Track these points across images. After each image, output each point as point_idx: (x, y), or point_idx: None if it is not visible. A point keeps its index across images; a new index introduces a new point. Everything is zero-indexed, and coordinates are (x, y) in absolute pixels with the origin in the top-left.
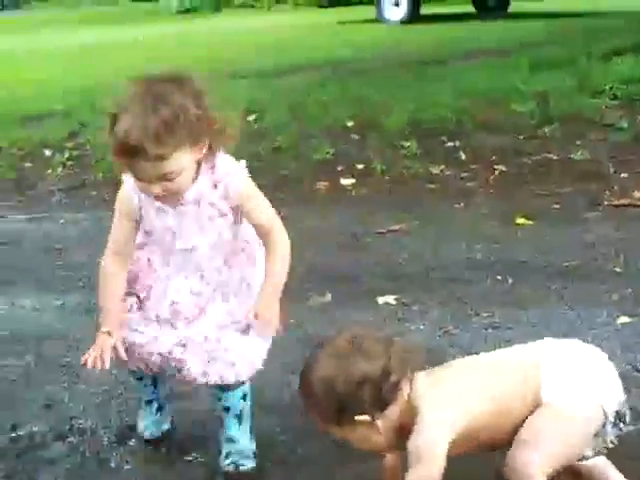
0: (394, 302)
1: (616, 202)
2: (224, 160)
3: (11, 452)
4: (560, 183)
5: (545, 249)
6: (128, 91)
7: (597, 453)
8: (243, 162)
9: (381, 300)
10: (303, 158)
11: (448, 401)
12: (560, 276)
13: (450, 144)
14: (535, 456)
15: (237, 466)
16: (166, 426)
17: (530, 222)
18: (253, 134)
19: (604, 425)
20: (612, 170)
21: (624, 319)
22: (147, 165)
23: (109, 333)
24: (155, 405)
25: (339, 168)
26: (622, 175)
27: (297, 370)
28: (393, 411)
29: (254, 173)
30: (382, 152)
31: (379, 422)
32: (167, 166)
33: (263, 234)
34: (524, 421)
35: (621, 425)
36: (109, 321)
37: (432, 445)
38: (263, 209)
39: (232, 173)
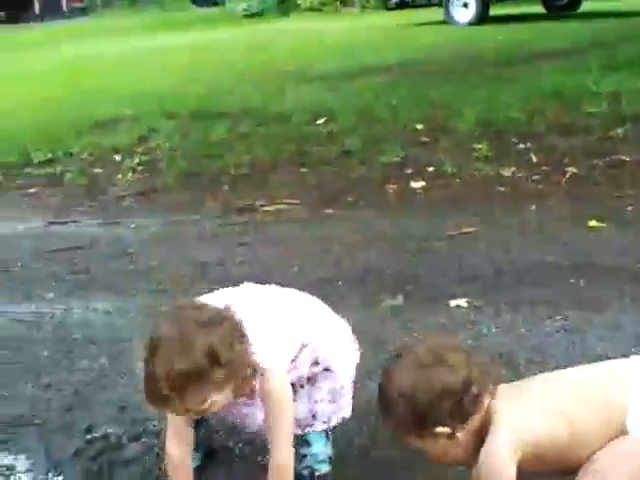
0: (466, 305)
1: None
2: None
3: (86, 454)
4: (633, 185)
5: (618, 251)
6: (162, 329)
7: None
8: (279, 359)
9: (453, 303)
10: (372, 161)
11: (523, 419)
12: (633, 278)
13: (521, 146)
14: None
15: (312, 471)
16: (195, 464)
17: (602, 224)
18: (322, 138)
19: None
20: None
21: None
22: (176, 407)
23: None
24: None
25: (409, 171)
26: None
27: (371, 373)
28: (473, 423)
29: (323, 177)
30: (452, 154)
31: (459, 434)
32: (197, 407)
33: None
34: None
35: None
36: None
37: (502, 463)
38: (277, 426)
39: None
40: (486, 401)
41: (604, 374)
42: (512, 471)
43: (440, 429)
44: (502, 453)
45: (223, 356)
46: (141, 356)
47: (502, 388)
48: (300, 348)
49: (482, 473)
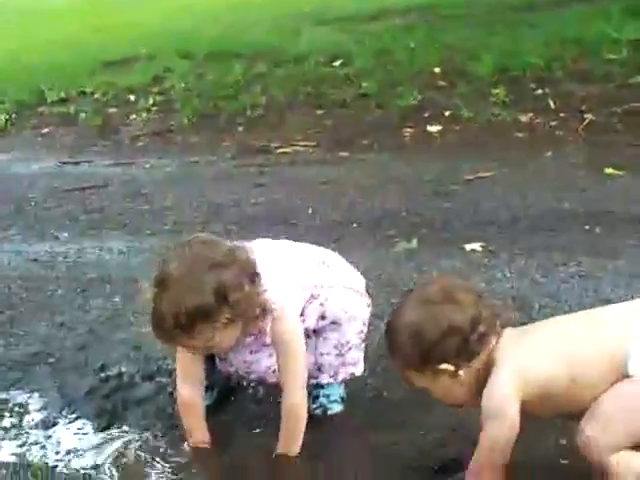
0: (480, 249)
1: None
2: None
3: (100, 392)
4: None
5: (634, 199)
6: (172, 266)
7: None
8: (292, 302)
9: (468, 247)
10: (389, 104)
11: (527, 360)
12: None
13: (539, 92)
14: (602, 434)
15: (325, 410)
16: (208, 402)
17: (619, 172)
18: (338, 80)
19: None
20: None
21: None
22: (184, 343)
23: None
24: (205, 383)
25: (425, 115)
26: None
27: (383, 315)
28: (477, 363)
29: (339, 120)
30: (469, 99)
31: (462, 372)
32: (205, 343)
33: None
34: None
35: None
36: (200, 441)
37: (504, 402)
38: (289, 368)
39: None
40: (492, 341)
41: (610, 318)
42: (515, 411)
43: (444, 366)
44: (504, 394)
45: (232, 296)
46: (149, 293)
47: (508, 331)
48: (309, 298)
49: (485, 414)
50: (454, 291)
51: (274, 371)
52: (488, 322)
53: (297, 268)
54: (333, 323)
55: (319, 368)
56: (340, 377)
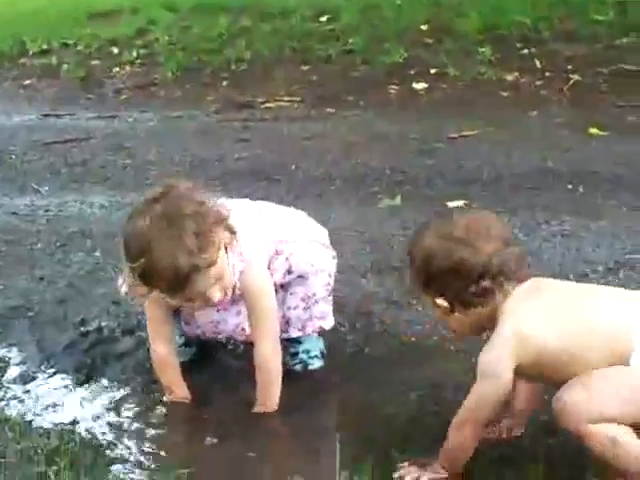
0: (463, 207)
1: None
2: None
3: (79, 347)
4: (636, 94)
5: (618, 160)
6: (139, 230)
7: None
8: (259, 254)
9: (451, 205)
10: (375, 61)
11: (529, 327)
12: (631, 187)
13: (525, 51)
14: (585, 399)
15: (306, 365)
16: (182, 359)
17: (603, 133)
18: (325, 35)
19: None
20: None
21: None
22: (203, 276)
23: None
24: (184, 339)
25: (411, 72)
26: None
27: (365, 272)
28: (476, 312)
29: (324, 76)
30: (456, 57)
31: (457, 314)
32: (216, 259)
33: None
34: None
35: None
36: (180, 397)
37: (500, 363)
38: (259, 320)
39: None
40: (499, 298)
41: (620, 303)
42: (510, 374)
43: (440, 300)
44: (502, 356)
45: (204, 205)
46: (132, 272)
47: (520, 290)
48: (274, 254)
49: (480, 371)
50: (477, 234)
51: (243, 329)
52: (496, 278)
53: (260, 223)
54: (300, 277)
55: (287, 322)
56: (308, 330)
